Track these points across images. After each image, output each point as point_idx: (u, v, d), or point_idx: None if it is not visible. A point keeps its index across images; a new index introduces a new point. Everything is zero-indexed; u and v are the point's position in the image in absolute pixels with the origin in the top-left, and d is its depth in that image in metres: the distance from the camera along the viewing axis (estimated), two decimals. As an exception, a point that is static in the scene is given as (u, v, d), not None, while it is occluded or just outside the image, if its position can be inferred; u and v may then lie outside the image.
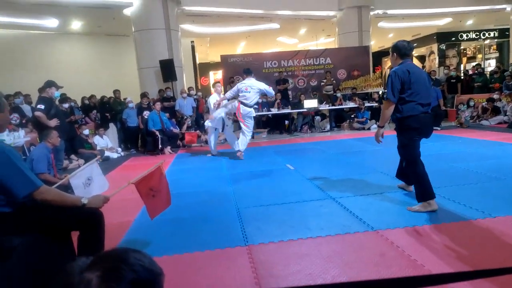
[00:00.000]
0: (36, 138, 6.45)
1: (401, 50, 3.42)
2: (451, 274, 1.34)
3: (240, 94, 6.50)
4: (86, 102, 9.95)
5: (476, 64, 13.64)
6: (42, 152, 4.27)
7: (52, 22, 11.99)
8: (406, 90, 3.29)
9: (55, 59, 13.07)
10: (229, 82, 12.00)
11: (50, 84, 5.78)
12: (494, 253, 2.39)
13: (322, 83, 12.27)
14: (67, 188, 2.80)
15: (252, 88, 6.46)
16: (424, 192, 3.30)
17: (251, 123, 6.67)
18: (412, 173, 3.45)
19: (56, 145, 4.54)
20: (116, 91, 10.01)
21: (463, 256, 2.36)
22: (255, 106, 6.79)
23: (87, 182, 2.67)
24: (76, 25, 12.78)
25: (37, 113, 5.57)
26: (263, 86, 6.57)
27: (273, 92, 7.04)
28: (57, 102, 6.70)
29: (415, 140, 3.38)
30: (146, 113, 8.91)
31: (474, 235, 2.69)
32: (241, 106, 6.45)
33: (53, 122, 5.58)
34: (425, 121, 3.35)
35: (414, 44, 18.28)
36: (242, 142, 6.61)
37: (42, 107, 5.58)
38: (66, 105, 7.89)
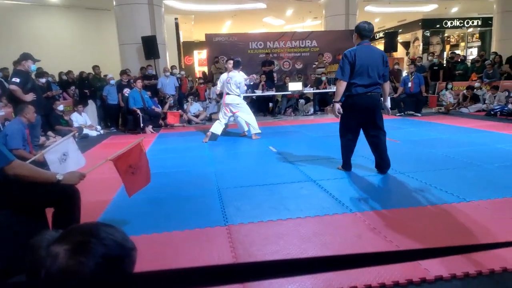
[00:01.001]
0: (11, 112, 6.22)
1: (361, 31, 3.72)
2: (420, 250, 1.37)
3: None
4: (64, 77, 9.62)
5: (451, 52, 13.80)
6: (17, 127, 4.12)
7: (28, -7, 11.45)
8: (353, 71, 3.63)
9: (32, 32, 12.51)
10: (213, 62, 11.81)
11: (26, 56, 5.55)
12: (467, 235, 2.46)
13: (314, 65, 12.17)
14: (43, 165, 2.72)
15: (232, 79, 6.45)
16: (344, 163, 4.08)
17: (242, 106, 6.62)
18: (341, 144, 4.04)
19: (32, 120, 4.39)
20: (95, 67, 9.70)
21: (437, 238, 2.42)
22: (240, 93, 6.69)
23: (62, 157, 2.59)
24: (54, -4, 12.25)
25: (12, 87, 5.36)
26: (240, 79, 6.51)
27: (244, 89, 6.85)
28: (33, 76, 6.45)
29: (351, 119, 3.81)
30: (126, 91, 8.70)
31: (449, 218, 2.76)
32: (226, 96, 6.47)
33: (29, 97, 5.39)
34: (364, 101, 3.72)
35: (400, 30, 18.34)
36: (216, 127, 6.51)
37: (18, 80, 5.37)
38: (43, 80, 7.61)
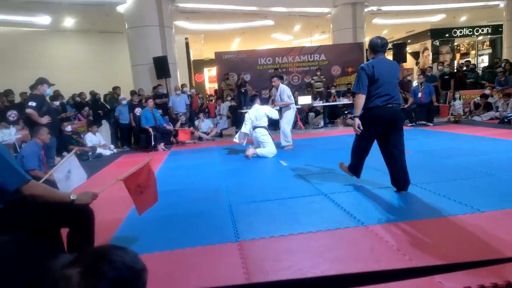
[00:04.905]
0: (28, 135, 6.40)
1: (374, 47, 3.70)
2: (435, 266, 1.36)
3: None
4: (77, 99, 9.86)
5: (466, 61, 13.69)
6: (33, 149, 4.24)
7: (44, 19, 11.87)
8: (372, 84, 3.56)
9: (48, 56, 12.94)
10: (223, 78, 11.98)
11: (41, 81, 5.75)
12: (481, 247, 2.42)
13: (312, 81, 12.25)
14: (55, 184, 2.79)
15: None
16: (353, 168, 4.03)
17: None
18: (352, 153, 3.99)
19: (46, 142, 4.51)
20: (116, 88, 9.93)
21: (451, 251, 2.38)
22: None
23: (67, 174, 2.67)
24: (69, 22, 12.66)
25: (29, 110, 5.53)
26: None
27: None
28: (48, 100, 6.65)
29: (370, 131, 3.67)
30: (137, 110, 8.87)
31: (463, 229, 2.71)
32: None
33: (45, 120, 5.55)
34: (385, 113, 3.60)
35: (408, 41, 18.34)
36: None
37: (34, 104, 5.54)
38: (57, 103, 7.83)
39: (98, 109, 9.63)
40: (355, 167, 4.03)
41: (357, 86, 3.62)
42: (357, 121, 3.67)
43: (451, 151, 5.64)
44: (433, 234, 2.66)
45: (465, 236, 2.59)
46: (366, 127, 3.66)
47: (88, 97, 10.14)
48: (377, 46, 3.67)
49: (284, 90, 7.23)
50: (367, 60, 3.87)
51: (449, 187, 3.73)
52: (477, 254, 2.30)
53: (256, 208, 3.54)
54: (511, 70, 10.76)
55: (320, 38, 18.33)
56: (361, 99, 3.61)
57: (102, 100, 10.15)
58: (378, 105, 3.58)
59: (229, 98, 11.14)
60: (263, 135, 6.45)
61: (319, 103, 11.01)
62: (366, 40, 14.60)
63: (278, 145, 6.76)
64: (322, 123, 10.87)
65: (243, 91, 11.39)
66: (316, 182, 4.33)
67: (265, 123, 6.57)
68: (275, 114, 6.68)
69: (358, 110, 3.66)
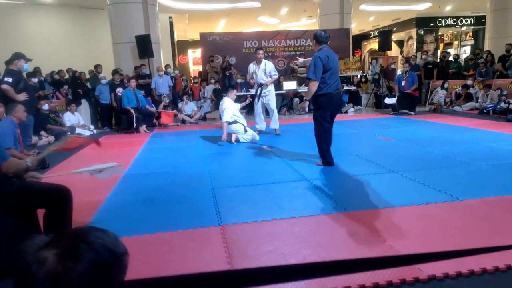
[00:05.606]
0: (3, 112, 6.15)
1: (319, 38, 4.18)
2: (417, 255, 1.36)
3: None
4: (56, 77, 9.51)
5: (443, 51, 13.84)
6: (8, 126, 4.07)
7: (20, -9, 11.33)
8: (325, 72, 3.99)
9: (23, 31, 12.35)
10: (208, 61, 11.77)
11: (18, 56, 5.50)
12: (459, 235, 2.47)
13: (296, 66, 12.16)
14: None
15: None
16: (324, 160, 4.28)
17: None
18: (318, 142, 4.30)
19: (22, 119, 4.34)
20: (97, 66, 9.60)
21: (430, 237, 2.43)
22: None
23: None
24: (46, -5, 12.12)
25: (4, 86, 5.30)
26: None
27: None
28: (25, 76, 6.38)
29: (327, 114, 4.14)
30: (119, 90, 8.63)
31: (442, 217, 2.77)
32: None
33: (22, 96, 5.34)
34: (336, 98, 4.22)
35: (394, 29, 18.41)
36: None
37: (10, 80, 5.32)
38: (35, 80, 7.53)
39: (77, 87, 9.32)
40: (326, 158, 4.30)
41: (314, 73, 4.00)
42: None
43: (432, 140, 5.73)
44: (413, 221, 2.71)
45: (444, 224, 2.64)
46: (324, 110, 4.14)
47: (67, 75, 9.80)
48: (322, 37, 4.16)
49: (271, 65, 6.99)
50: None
51: (429, 175, 3.79)
52: (457, 242, 2.35)
53: (239, 193, 3.52)
54: (492, 62, 10.95)
55: (307, 23, 18.18)
56: (315, 86, 4.05)
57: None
58: (331, 91, 4.08)
59: (213, 81, 10.97)
60: (234, 130, 6.22)
61: (304, 89, 10.97)
62: (353, 26, 14.58)
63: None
64: (306, 109, 10.85)
65: (228, 74, 11.22)
66: (300, 167, 4.34)
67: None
68: (224, 117, 6.13)
69: (311, 95, 4.14)
